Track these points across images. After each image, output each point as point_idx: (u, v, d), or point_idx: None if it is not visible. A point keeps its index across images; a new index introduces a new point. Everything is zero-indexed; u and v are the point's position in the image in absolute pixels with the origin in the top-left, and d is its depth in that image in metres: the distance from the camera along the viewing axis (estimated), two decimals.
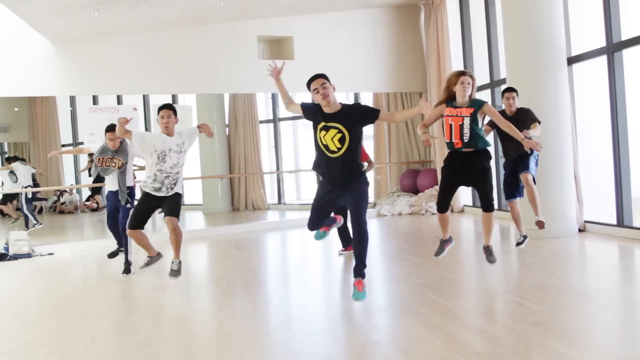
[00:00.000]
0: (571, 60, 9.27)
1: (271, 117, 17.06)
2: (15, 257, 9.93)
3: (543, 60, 8.83)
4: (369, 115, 5.68)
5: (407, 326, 4.95)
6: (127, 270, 7.85)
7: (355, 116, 5.61)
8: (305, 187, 17.06)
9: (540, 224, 7.23)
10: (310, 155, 16.21)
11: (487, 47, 11.82)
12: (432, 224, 11.74)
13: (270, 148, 17.29)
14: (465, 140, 6.08)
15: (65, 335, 5.30)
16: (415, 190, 14.10)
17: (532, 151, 7.11)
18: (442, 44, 13.15)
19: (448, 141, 6.20)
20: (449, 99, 6.28)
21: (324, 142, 5.59)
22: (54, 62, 11.25)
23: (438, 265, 7.41)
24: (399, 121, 5.43)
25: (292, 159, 17.40)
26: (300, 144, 17.34)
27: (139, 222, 6.83)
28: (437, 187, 13.56)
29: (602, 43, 8.70)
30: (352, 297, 5.52)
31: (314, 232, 6.15)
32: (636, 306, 5.30)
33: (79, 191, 20.15)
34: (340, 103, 5.69)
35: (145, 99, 17.26)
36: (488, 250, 6.44)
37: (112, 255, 8.45)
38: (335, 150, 5.57)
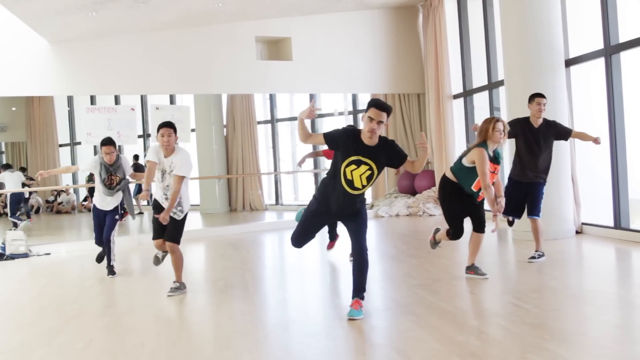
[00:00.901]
0: (569, 62, 9.28)
1: (269, 118, 17.07)
2: (12, 257, 9.91)
3: (541, 62, 8.84)
4: (399, 160, 5.28)
5: (405, 327, 4.95)
6: (111, 272, 7.92)
7: (388, 155, 5.20)
8: (303, 187, 17.07)
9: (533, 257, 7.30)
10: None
11: (485, 48, 11.83)
12: (429, 225, 11.74)
13: (267, 149, 17.30)
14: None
15: (62, 335, 5.29)
16: (412, 192, 14.11)
17: (544, 181, 7.24)
18: (440, 45, 13.16)
19: (475, 191, 6.31)
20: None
21: (348, 177, 5.15)
22: (51, 62, 11.25)
23: (435, 266, 7.42)
24: (417, 171, 5.31)
25: (290, 159, 17.41)
26: (298, 144, 17.34)
27: (158, 232, 6.65)
28: (434, 189, 13.57)
29: (600, 45, 8.70)
30: (347, 315, 5.22)
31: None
32: (633, 308, 5.30)
33: (76, 191, 20.14)
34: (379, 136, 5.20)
35: (143, 99, 17.27)
36: (474, 268, 6.65)
37: (99, 258, 8.32)
38: (360, 187, 5.19)
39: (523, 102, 7.89)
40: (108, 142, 7.76)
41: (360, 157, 5.07)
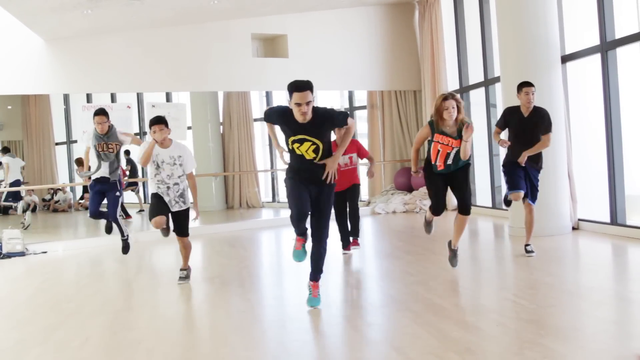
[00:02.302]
0: (565, 59, 9.29)
1: None
2: (9, 255, 9.89)
3: (537, 58, 8.84)
4: (338, 120, 5.42)
5: (401, 324, 4.95)
6: (126, 247, 8.21)
7: (325, 124, 5.35)
8: None
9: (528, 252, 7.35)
10: None
11: (481, 45, 11.83)
12: (422, 222, 11.74)
13: (264, 146, 17.28)
14: (449, 163, 6.30)
15: (58, 333, 5.28)
16: (409, 189, 14.11)
17: (540, 167, 7.28)
18: (437, 41, 13.16)
19: (432, 163, 6.37)
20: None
21: (297, 153, 5.44)
22: (47, 60, 11.22)
23: (432, 263, 7.43)
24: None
25: (287, 157, 17.38)
26: None
27: (160, 209, 6.80)
28: None
29: (596, 41, 8.71)
30: (307, 303, 5.51)
31: (295, 251, 5.70)
32: (629, 304, 5.31)
33: (72, 189, 20.11)
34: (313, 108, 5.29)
35: (139, 96, 17.24)
36: (454, 252, 6.70)
37: (108, 229, 8.40)
38: (313, 158, 5.41)
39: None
40: (100, 112, 7.83)
41: (300, 136, 5.28)
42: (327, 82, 13.43)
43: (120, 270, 8.22)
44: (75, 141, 20.27)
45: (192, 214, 7.05)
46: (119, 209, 8.17)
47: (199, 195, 15.53)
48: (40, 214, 19.33)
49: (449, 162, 6.27)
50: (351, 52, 13.51)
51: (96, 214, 8.12)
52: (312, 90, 5.05)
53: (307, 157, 5.37)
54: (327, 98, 15.78)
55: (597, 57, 8.72)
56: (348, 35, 13.52)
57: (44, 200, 20.23)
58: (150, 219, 6.82)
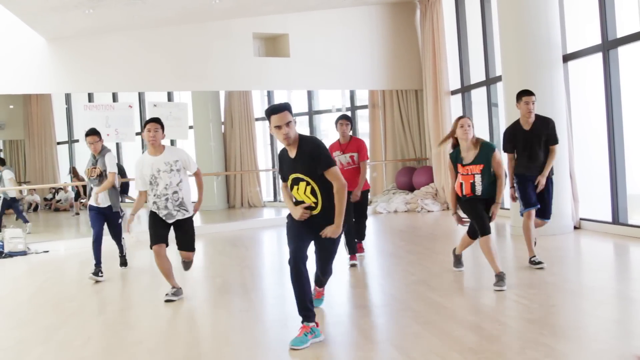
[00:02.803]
0: (567, 58, 9.28)
1: None
2: (11, 254, 9.90)
3: (538, 57, 8.84)
4: (319, 166, 4.62)
5: (403, 323, 4.95)
6: (124, 263, 8.16)
7: (310, 160, 4.64)
8: None
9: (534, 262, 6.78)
10: None
11: (482, 44, 11.83)
12: (427, 221, 11.76)
13: (265, 145, 17.29)
14: (477, 193, 6.08)
15: (60, 333, 5.28)
16: (411, 188, 14.11)
17: (551, 181, 6.90)
18: (438, 41, 13.16)
19: (460, 196, 6.20)
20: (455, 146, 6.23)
21: (299, 199, 4.81)
22: (49, 60, 11.22)
23: (434, 263, 7.42)
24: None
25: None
26: None
27: (160, 236, 6.18)
28: (432, 185, 13.59)
29: (598, 40, 8.70)
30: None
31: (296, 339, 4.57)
32: (631, 303, 5.30)
33: (73, 189, 20.11)
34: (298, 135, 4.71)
35: (141, 96, 17.26)
36: (500, 276, 5.98)
37: (96, 273, 7.56)
38: (313, 204, 4.76)
39: None
40: (91, 132, 7.64)
41: (293, 175, 4.71)
42: (328, 82, 13.44)
43: (121, 269, 8.22)
44: (77, 140, 20.31)
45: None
46: (123, 233, 8.01)
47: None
48: (42, 213, 19.36)
49: (477, 192, 6.07)
50: (352, 52, 13.50)
51: (99, 238, 7.67)
52: (290, 111, 4.59)
53: (308, 202, 4.75)
54: (329, 97, 15.79)
55: (599, 56, 8.71)
56: (349, 34, 13.51)
57: (45, 199, 20.27)
58: (151, 245, 6.20)
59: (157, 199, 6.14)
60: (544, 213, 6.88)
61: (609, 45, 8.52)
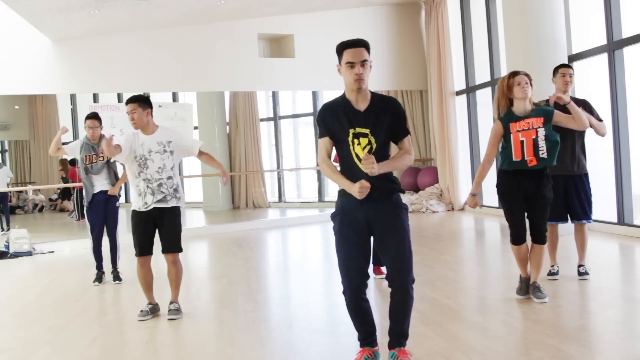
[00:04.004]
0: (572, 58, 9.26)
1: (272, 115, 17.08)
2: (16, 255, 9.93)
3: (544, 58, 8.81)
4: (398, 129, 3.85)
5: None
6: (117, 277, 7.46)
7: (390, 118, 3.82)
8: (306, 185, 17.08)
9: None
10: (310, 152, 16.27)
11: (487, 45, 11.82)
12: (432, 222, 11.75)
13: (270, 146, 17.31)
14: (542, 154, 5.13)
15: (66, 333, 5.30)
16: (416, 189, 14.10)
17: (582, 170, 6.19)
18: (443, 41, 13.16)
19: (519, 159, 5.17)
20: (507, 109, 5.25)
21: (355, 160, 3.80)
22: (54, 60, 11.26)
23: (439, 263, 7.41)
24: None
25: (293, 157, 17.42)
26: (300, 142, 17.35)
27: (147, 246, 5.64)
28: (437, 185, 13.57)
29: (603, 41, 8.69)
30: None
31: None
32: (637, 304, 5.30)
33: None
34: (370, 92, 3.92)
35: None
36: (536, 287, 5.43)
37: (99, 279, 7.47)
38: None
39: None
40: (93, 115, 7.35)
41: (357, 129, 3.78)
42: (333, 82, 13.37)
43: (126, 269, 8.23)
44: None
45: (222, 180, 5.94)
46: (117, 225, 7.50)
47: (205, 195, 15.25)
48: (47, 213, 19.40)
49: (542, 153, 5.10)
50: None
51: (100, 238, 7.44)
52: (368, 50, 3.91)
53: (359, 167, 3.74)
54: (333, 98, 15.79)
55: (604, 56, 8.70)
56: (354, 35, 13.33)
57: (50, 200, 20.31)
58: (136, 254, 5.64)
59: (147, 182, 5.47)
60: (579, 213, 6.22)
61: (614, 46, 8.51)
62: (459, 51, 13.17)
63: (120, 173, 7.59)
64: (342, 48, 3.89)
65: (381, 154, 3.76)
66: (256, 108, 16.60)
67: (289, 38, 13.12)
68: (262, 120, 16.87)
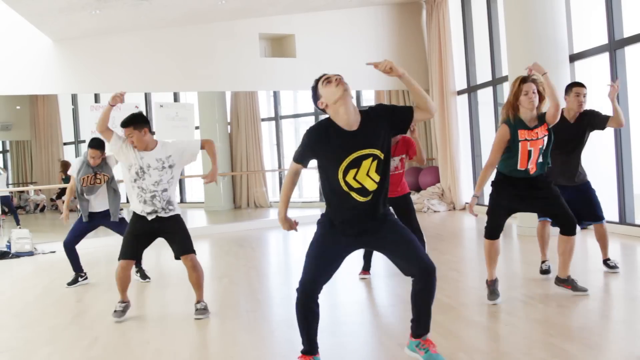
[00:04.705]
0: (573, 58, 9.26)
1: (273, 115, 17.08)
2: (18, 255, 9.93)
3: (545, 57, 8.80)
4: (404, 113, 3.87)
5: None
6: (143, 276, 7.43)
7: (385, 120, 3.79)
8: (307, 184, 17.08)
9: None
10: None
11: (489, 44, 11.81)
12: (433, 221, 11.74)
13: (271, 146, 17.31)
14: (540, 162, 5.18)
15: (67, 333, 5.30)
16: (417, 188, 14.10)
17: (581, 179, 6.18)
18: (444, 41, 13.15)
19: (523, 169, 5.15)
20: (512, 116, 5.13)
21: (356, 186, 3.67)
22: (55, 60, 11.26)
23: (440, 263, 7.40)
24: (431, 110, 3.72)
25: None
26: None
27: (133, 251, 5.59)
28: (439, 185, 13.57)
29: (605, 40, 8.68)
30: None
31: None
32: (638, 303, 5.29)
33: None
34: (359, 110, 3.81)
35: (147, 96, 17.28)
36: (572, 280, 5.50)
37: (73, 282, 7.43)
38: (376, 186, 3.69)
39: None
40: (95, 145, 6.96)
41: (354, 155, 3.62)
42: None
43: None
44: (84, 141, 20.32)
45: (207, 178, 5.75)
46: None
47: (206, 195, 15.27)
48: (49, 213, 19.41)
49: (541, 159, 5.17)
50: (358, 52, 13.48)
51: (72, 244, 7.28)
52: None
53: (369, 188, 3.66)
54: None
55: (606, 56, 8.70)
56: (355, 34, 13.51)
57: (52, 200, 20.32)
58: (119, 257, 5.59)
59: (140, 190, 5.42)
60: (593, 215, 6.26)
61: (615, 45, 8.50)
62: (460, 50, 13.17)
63: (123, 195, 7.40)
64: (315, 86, 3.81)
65: (386, 168, 3.74)
66: (257, 108, 16.61)
67: (290, 38, 13.12)
68: (263, 120, 16.88)
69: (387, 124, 3.74)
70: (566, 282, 5.48)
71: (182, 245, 5.53)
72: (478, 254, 7.86)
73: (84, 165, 7.07)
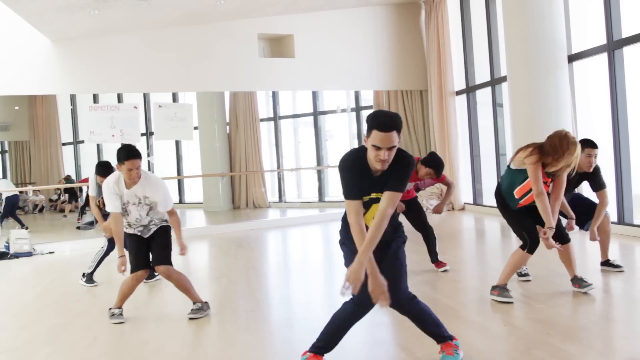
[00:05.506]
0: (572, 58, 9.27)
1: (272, 115, 17.07)
2: (16, 255, 9.93)
3: (544, 57, 8.83)
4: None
5: (408, 323, 4.92)
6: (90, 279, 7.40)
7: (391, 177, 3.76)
8: (306, 185, 17.08)
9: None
10: (310, 153, 16.27)
11: (487, 44, 11.82)
12: (432, 221, 11.70)
13: (270, 146, 17.30)
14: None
15: (66, 333, 5.29)
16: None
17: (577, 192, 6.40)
18: (443, 41, 13.16)
19: (525, 205, 5.43)
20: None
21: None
22: (54, 61, 11.26)
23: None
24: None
25: (293, 157, 17.42)
26: (300, 142, 17.35)
27: (144, 259, 5.67)
28: (438, 185, 13.56)
29: (603, 40, 8.69)
30: None
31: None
32: (637, 303, 5.30)
33: (80, 189, 20.15)
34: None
35: (146, 97, 17.27)
36: (580, 278, 5.68)
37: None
38: None
39: (525, 98, 7.85)
40: (102, 173, 6.89)
41: (372, 195, 3.76)
42: (333, 82, 13.44)
43: (127, 270, 8.22)
44: (82, 141, 20.34)
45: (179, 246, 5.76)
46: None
47: (205, 195, 15.27)
48: (47, 214, 19.40)
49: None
50: (357, 52, 13.51)
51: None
52: (399, 131, 3.60)
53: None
54: (334, 98, 15.79)
55: (604, 56, 8.71)
56: (354, 35, 13.52)
57: (50, 200, 20.31)
58: (131, 271, 5.62)
59: (129, 227, 5.63)
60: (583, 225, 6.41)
61: (614, 46, 8.51)
62: (459, 51, 13.18)
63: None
64: (372, 126, 3.55)
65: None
66: (256, 108, 16.60)
67: (289, 38, 13.12)
68: (262, 120, 16.87)
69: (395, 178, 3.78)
70: (573, 280, 5.71)
71: (158, 255, 5.62)
72: (477, 254, 7.87)
73: (98, 186, 7.09)
